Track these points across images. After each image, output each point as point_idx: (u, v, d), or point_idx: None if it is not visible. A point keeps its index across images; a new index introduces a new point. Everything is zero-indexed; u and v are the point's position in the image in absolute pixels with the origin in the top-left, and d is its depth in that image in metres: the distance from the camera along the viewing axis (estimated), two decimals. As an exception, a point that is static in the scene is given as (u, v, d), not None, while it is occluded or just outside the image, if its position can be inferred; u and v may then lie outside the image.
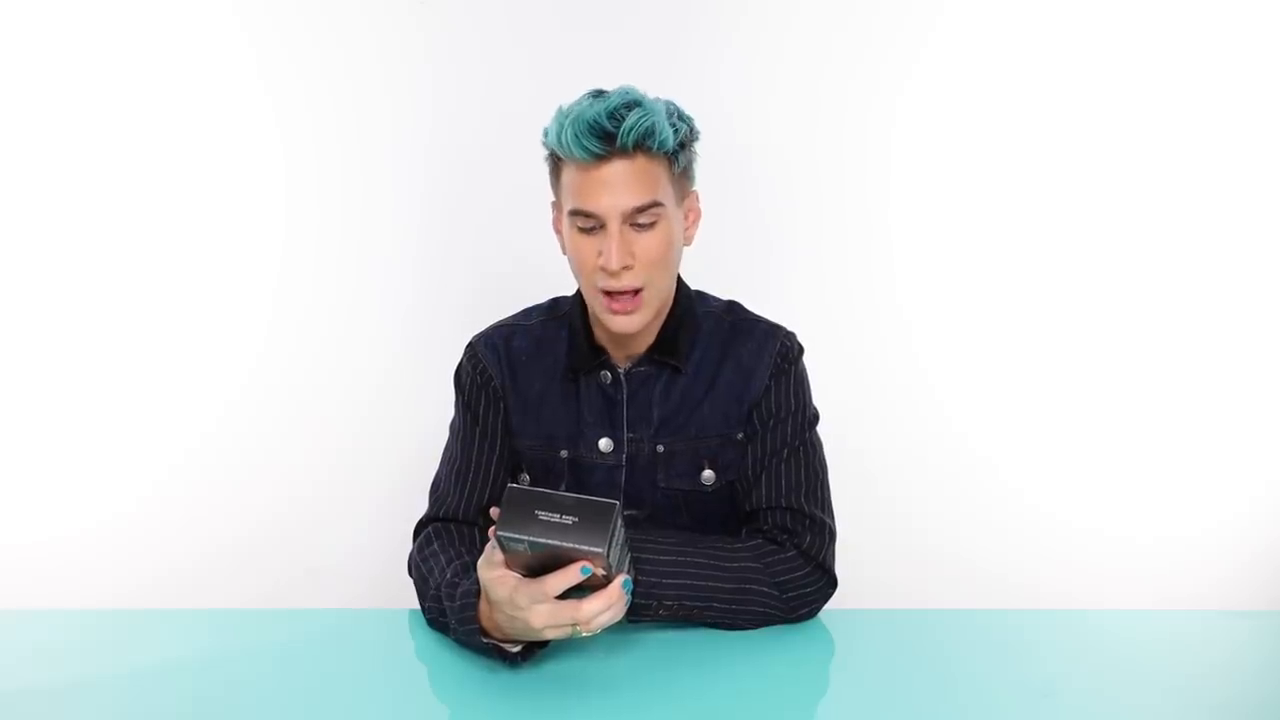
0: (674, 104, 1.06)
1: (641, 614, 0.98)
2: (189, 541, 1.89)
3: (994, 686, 0.90)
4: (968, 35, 1.81)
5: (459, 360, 1.20)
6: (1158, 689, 0.90)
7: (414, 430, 1.65)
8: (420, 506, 1.17)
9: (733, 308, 1.20)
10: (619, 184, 0.99)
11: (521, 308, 1.23)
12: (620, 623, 0.87)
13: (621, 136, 0.97)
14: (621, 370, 1.13)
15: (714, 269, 1.31)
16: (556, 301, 1.22)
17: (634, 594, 0.95)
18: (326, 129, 1.84)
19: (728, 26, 1.82)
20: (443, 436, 1.21)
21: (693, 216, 1.11)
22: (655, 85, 1.08)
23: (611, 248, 1.00)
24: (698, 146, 1.08)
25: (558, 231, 1.10)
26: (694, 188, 1.11)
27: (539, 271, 1.35)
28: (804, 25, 1.82)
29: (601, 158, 0.99)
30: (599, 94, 1.03)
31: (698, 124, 1.07)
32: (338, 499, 1.93)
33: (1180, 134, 1.81)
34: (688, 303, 1.16)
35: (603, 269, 1.01)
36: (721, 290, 1.23)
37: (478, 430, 1.16)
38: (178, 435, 1.89)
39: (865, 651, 1.01)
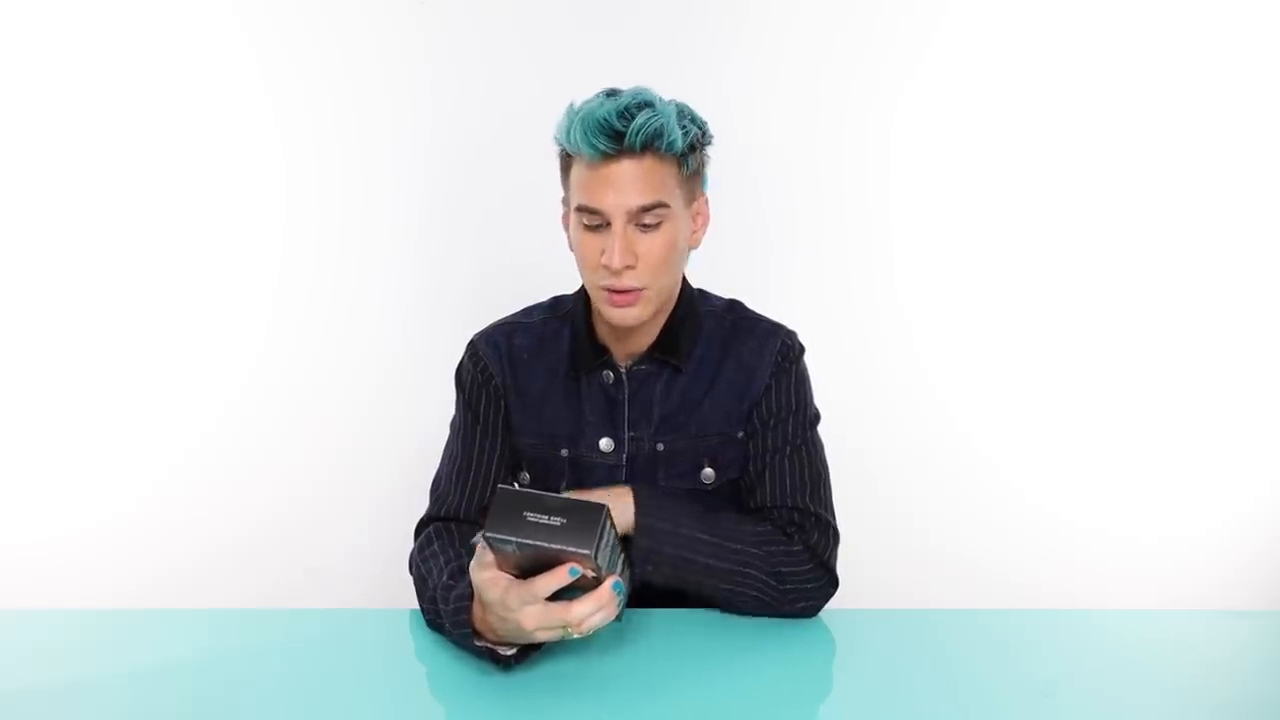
0: (688, 106, 1.05)
1: (637, 573, 0.99)
2: (189, 541, 1.89)
3: (994, 686, 0.90)
4: (969, 36, 1.81)
5: (460, 358, 1.20)
6: (1158, 689, 0.90)
7: (414, 430, 1.65)
8: (420, 506, 1.17)
9: (734, 307, 1.19)
10: (626, 183, 0.99)
11: (522, 306, 1.23)
12: (617, 623, 0.87)
13: (630, 136, 0.97)
14: (623, 369, 1.13)
15: (715, 268, 1.31)
16: (558, 300, 1.21)
17: (632, 555, 0.95)
18: (326, 129, 1.84)
19: (729, 27, 1.82)
20: (443, 436, 1.21)
21: (701, 220, 1.11)
22: (655, 85, 1.07)
23: (615, 247, 1.00)
24: (709, 150, 1.08)
25: (566, 227, 1.10)
26: (705, 192, 1.11)
27: (539, 270, 1.35)
28: (805, 26, 1.82)
29: (610, 156, 0.99)
30: (612, 93, 1.03)
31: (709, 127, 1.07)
32: (338, 499, 1.93)
33: (1180, 135, 1.81)
34: (690, 302, 1.16)
35: (605, 267, 1.01)
36: (723, 290, 1.23)
37: (479, 428, 1.16)
38: (178, 435, 1.89)
39: (865, 651, 1.01)
